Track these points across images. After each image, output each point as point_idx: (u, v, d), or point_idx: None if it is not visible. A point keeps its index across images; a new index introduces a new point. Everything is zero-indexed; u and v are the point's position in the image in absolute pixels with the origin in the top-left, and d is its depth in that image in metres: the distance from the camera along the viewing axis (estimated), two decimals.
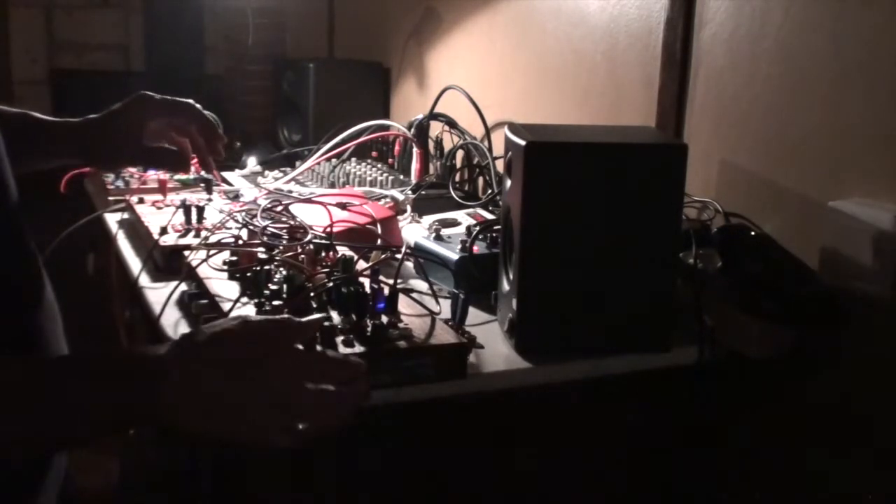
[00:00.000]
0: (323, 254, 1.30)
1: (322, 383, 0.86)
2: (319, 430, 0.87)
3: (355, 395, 0.89)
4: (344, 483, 1.16)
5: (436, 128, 2.10)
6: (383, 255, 1.28)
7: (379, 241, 1.47)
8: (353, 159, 2.04)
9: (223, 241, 1.37)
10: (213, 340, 0.86)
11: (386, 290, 1.18)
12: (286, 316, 0.94)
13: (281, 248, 1.28)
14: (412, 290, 1.23)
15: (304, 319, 0.92)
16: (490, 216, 1.66)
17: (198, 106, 1.36)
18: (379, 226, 1.50)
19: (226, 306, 1.17)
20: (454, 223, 1.63)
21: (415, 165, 2.02)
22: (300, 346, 0.89)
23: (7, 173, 0.99)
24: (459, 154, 2.06)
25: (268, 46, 3.14)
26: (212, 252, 1.32)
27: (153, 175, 1.85)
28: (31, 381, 0.82)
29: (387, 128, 2.08)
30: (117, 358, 0.88)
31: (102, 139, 1.29)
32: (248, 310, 1.16)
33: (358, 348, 1.07)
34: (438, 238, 1.49)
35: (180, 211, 1.53)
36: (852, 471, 1.25)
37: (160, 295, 1.34)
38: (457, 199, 1.80)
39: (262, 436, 0.85)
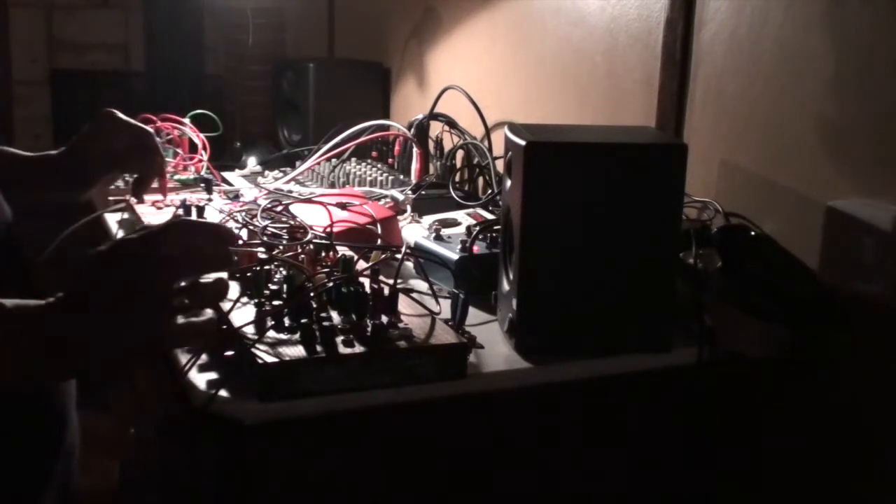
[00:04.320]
0: (323, 254, 1.30)
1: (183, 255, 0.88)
2: (205, 297, 0.90)
3: (219, 259, 0.91)
4: (344, 483, 1.16)
5: (436, 128, 2.10)
6: (383, 255, 1.28)
7: (379, 241, 1.47)
8: (353, 159, 2.04)
9: None
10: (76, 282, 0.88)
11: (386, 290, 1.18)
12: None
13: (281, 248, 1.28)
14: (412, 290, 1.23)
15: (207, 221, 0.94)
16: (490, 216, 1.66)
17: (156, 138, 1.51)
18: (379, 226, 1.50)
19: (226, 306, 1.17)
20: (454, 223, 1.63)
21: (415, 165, 2.02)
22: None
23: None
24: (459, 154, 2.06)
25: (268, 46, 3.14)
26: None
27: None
28: None
29: (387, 128, 2.08)
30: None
31: (81, 163, 1.41)
32: (249, 309, 1.15)
33: (358, 348, 1.07)
34: (438, 238, 1.49)
35: (180, 211, 1.53)
36: (852, 471, 1.25)
37: None
38: (457, 199, 1.80)
39: (159, 335, 0.87)
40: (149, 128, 1.52)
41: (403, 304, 1.19)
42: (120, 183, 1.84)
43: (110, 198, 1.78)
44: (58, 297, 0.87)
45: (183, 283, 0.89)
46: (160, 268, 0.86)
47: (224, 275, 0.94)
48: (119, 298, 0.85)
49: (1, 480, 0.96)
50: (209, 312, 0.91)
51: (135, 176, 1.55)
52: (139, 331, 0.86)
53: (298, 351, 1.05)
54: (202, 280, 0.91)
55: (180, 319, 0.88)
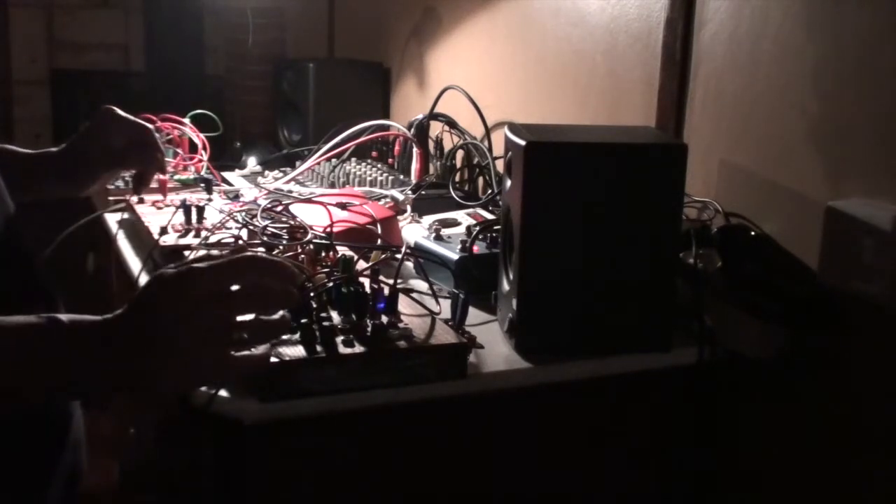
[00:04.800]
0: (323, 254, 1.30)
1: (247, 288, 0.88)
2: (265, 331, 0.90)
3: (284, 295, 0.90)
4: (343, 483, 1.16)
5: (436, 128, 2.10)
6: (383, 255, 1.28)
7: (379, 241, 1.47)
8: (353, 159, 2.04)
9: (223, 241, 1.37)
10: (138, 303, 0.87)
11: (386, 290, 1.18)
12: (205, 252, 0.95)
13: (281, 248, 1.28)
14: (412, 290, 1.23)
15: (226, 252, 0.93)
16: (490, 216, 1.66)
17: (155, 134, 1.51)
18: (379, 226, 1.50)
19: None
20: (454, 223, 1.63)
21: (415, 165, 2.02)
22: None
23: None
24: (459, 154, 2.06)
25: (268, 46, 3.14)
26: (212, 252, 1.32)
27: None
28: None
29: (387, 128, 2.08)
30: (72, 328, 0.88)
31: (81, 161, 1.42)
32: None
33: (358, 348, 1.07)
34: (438, 238, 1.49)
35: (180, 211, 1.53)
36: (852, 470, 1.25)
37: None
38: (457, 199, 1.80)
39: (212, 362, 0.87)
40: (148, 124, 1.52)
41: (403, 304, 1.19)
42: (120, 183, 1.84)
43: (110, 198, 1.78)
44: (116, 316, 0.86)
45: (243, 318, 0.89)
46: (226, 301, 0.86)
47: (286, 312, 0.93)
48: (182, 328, 0.84)
49: (9, 472, 0.97)
50: (264, 347, 0.90)
51: (134, 173, 1.55)
52: (196, 361, 0.86)
53: (298, 351, 1.05)
54: (263, 316, 0.90)
55: (237, 352, 0.88)
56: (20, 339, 0.83)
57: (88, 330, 0.85)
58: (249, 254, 0.92)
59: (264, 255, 0.94)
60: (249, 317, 0.90)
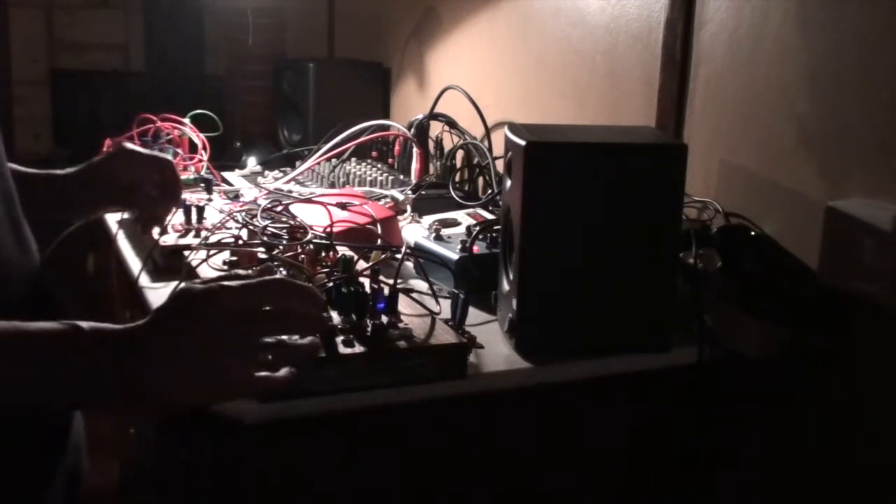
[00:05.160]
0: (323, 254, 1.30)
1: (276, 310, 0.87)
2: (288, 356, 0.88)
3: (313, 321, 0.89)
4: (343, 483, 1.16)
5: (436, 128, 2.10)
6: (383, 255, 1.28)
7: (379, 241, 1.47)
8: (353, 159, 2.04)
9: (223, 241, 1.37)
10: (166, 310, 0.86)
11: (386, 290, 1.18)
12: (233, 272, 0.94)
13: (281, 248, 1.28)
14: (412, 290, 1.23)
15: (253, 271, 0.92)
16: (490, 216, 1.66)
17: (172, 160, 1.46)
18: (379, 226, 1.50)
19: None
20: (454, 223, 1.63)
21: (415, 165, 2.02)
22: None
23: (3, 160, 1.00)
24: (459, 154, 2.06)
25: (268, 46, 3.14)
26: (212, 252, 1.32)
27: None
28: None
29: (387, 128, 2.08)
30: (93, 335, 0.86)
31: (84, 191, 1.37)
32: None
33: (358, 348, 1.07)
34: (438, 238, 1.49)
35: (180, 211, 1.53)
36: (852, 471, 1.25)
37: (160, 295, 1.34)
38: (457, 199, 1.80)
39: (234, 380, 0.85)
40: (170, 158, 1.48)
41: (403, 304, 1.19)
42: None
43: None
44: (140, 326, 0.85)
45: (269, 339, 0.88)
46: (253, 321, 0.86)
47: (316, 338, 0.92)
48: (206, 343, 0.84)
49: (9, 473, 0.97)
50: (286, 369, 0.90)
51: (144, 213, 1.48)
52: (217, 377, 0.85)
53: None
54: (291, 339, 0.90)
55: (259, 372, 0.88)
56: (42, 346, 0.83)
57: (110, 338, 0.85)
58: (280, 276, 0.92)
59: (291, 280, 0.93)
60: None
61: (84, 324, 0.85)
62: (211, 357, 0.84)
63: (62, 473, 1.05)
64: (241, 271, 0.92)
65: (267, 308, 0.87)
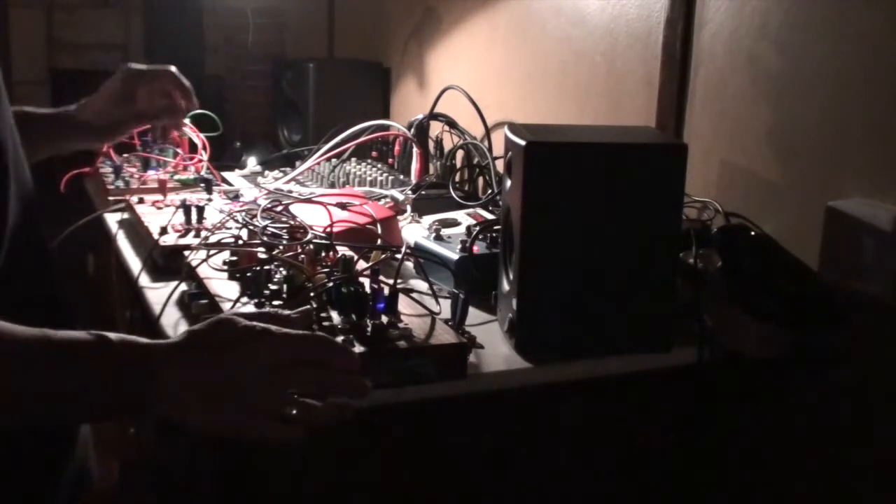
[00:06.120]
0: (323, 254, 1.30)
1: (313, 366, 0.85)
2: (311, 417, 0.85)
3: (350, 385, 0.86)
4: (344, 483, 1.16)
5: (436, 128, 2.10)
6: (383, 255, 1.28)
7: (379, 241, 1.47)
8: (353, 159, 2.04)
9: (223, 241, 1.37)
10: (203, 333, 0.85)
11: (386, 290, 1.18)
12: (275, 310, 0.93)
13: (281, 248, 1.28)
14: (412, 290, 1.23)
15: (293, 311, 0.91)
16: (490, 216, 1.66)
17: (174, 69, 1.60)
18: (379, 226, 1.50)
19: (226, 306, 1.17)
20: (454, 223, 1.63)
21: (415, 165, 2.02)
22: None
23: (22, 162, 1.00)
24: (459, 154, 2.06)
25: (268, 46, 3.14)
26: (212, 252, 1.32)
27: (153, 175, 1.85)
28: (23, 353, 0.81)
29: (387, 128, 2.08)
30: (115, 349, 0.85)
31: (101, 115, 1.49)
32: (249, 310, 1.16)
33: (358, 348, 1.07)
34: (438, 238, 1.49)
35: (180, 211, 1.53)
36: (852, 471, 1.25)
37: (160, 295, 1.34)
38: (457, 199, 1.80)
39: (252, 425, 0.84)
40: (171, 68, 1.60)
41: (403, 304, 1.19)
42: (120, 183, 1.84)
43: (110, 198, 1.78)
44: (174, 345, 0.84)
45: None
46: (289, 376, 0.84)
47: (349, 400, 0.88)
48: (233, 383, 0.83)
49: (18, 472, 0.97)
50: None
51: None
52: (238, 418, 0.84)
53: None
54: (315, 402, 0.86)
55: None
56: (67, 355, 0.82)
57: (139, 352, 0.84)
58: (323, 334, 0.89)
59: (337, 342, 0.91)
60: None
61: (112, 336, 0.84)
62: (233, 396, 0.83)
63: (70, 473, 1.05)
64: (280, 311, 0.90)
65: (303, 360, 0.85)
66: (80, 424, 1.07)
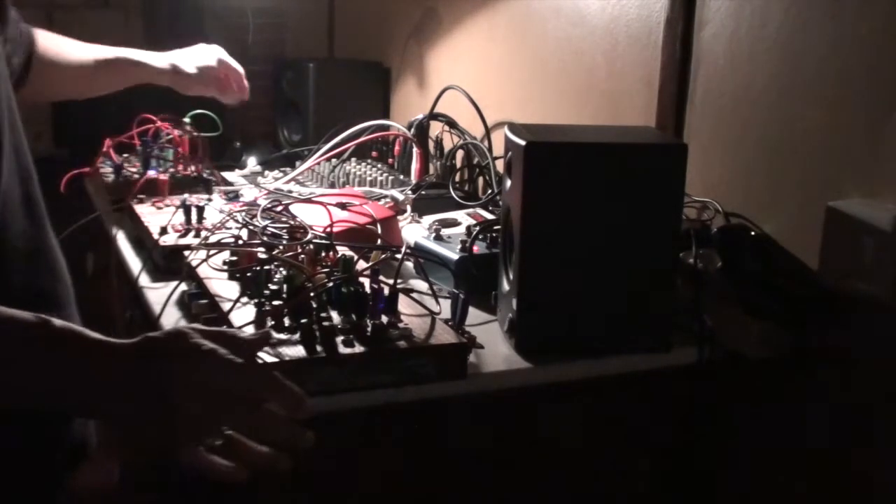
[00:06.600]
0: (323, 254, 1.30)
1: (250, 405, 0.83)
2: (243, 457, 0.83)
3: (285, 436, 0.83)
4: (344, 483, 1.16)
5: (436, 128, 2.10)
6: (383, 255, 1.28)
7: (379, 241, 1.47)
8: (353, 159, 2.04)
9: (223, 241, 1.37)
10: (157, 341, 0.84)
11: (386, 290, 1.18)
12: (233, 331, 0.91)
13: (281, 248, 1.28)
14: (412, 290, 1.23)
15: (251, 334, 0.90)
16: (490, 216, 1.66)
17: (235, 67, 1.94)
18: (379, 226, 1.50)
19: (226, 306, 1.17)
20: (454, 223, 1.63)
21: (415, 165, 2.02)
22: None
23: (21, 138, 1.00)
24: (459, 154, 2.06)
25: (268, 46, 3.14)
26: (212, 252, 1.32)
27: (153, 175, 1.85)
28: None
29: (387, 128, 2.08)
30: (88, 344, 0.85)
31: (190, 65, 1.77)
32: (249, 310, 1.16)
33: (358, 348, 1.07)
34: (438, 238, 1.49)
35: (180, 211, 1.53)
36: (853, 470, 1.25)
37: (160, 295, 1.34)
38: (457, 199, 1.80)
39: (171, 446, 0.83)
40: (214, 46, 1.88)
41: (403, 304, 1.19)
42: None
43: (110, 198, 1.78)
44: (125, 345, 0.83)
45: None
46: (228, 409, 0.82)
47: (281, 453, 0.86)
48: (177, 395, 0.81)
49: (15, 442, 0.97)
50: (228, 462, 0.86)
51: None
52: (167, 435, 0.82)
53: (298, 351, 1.05)
54: (247, 442, 0.85)
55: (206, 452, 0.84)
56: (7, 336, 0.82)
57: (86, 345, 0.84)
58: (270, 370, 0.86)
59: (285, 381, 0.86)
60: None
61: (57, 322, 0.83)
62: (160, 409, 0.81)
63: (68, 442, 1.05)
64: (238, 334, 0.87)
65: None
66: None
